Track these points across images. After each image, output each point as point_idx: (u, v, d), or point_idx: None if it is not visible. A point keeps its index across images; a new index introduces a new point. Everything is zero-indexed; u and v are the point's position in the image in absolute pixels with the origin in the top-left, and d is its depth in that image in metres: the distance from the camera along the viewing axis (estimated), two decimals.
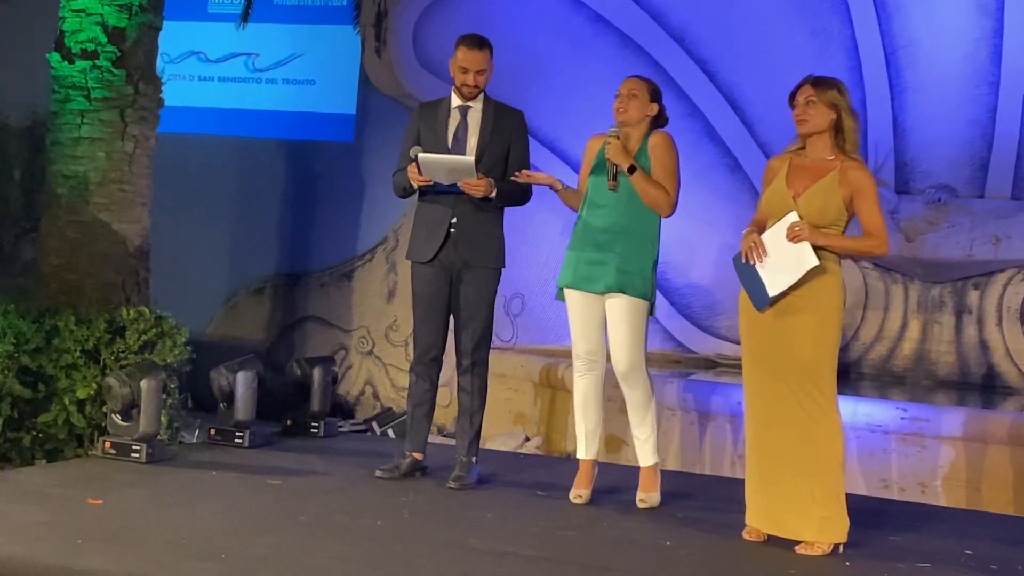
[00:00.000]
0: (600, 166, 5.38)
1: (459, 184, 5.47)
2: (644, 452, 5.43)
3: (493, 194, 5.51)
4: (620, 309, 5.32)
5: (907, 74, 8.82)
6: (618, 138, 5.33)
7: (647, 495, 5.41)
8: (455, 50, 5.61)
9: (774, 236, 4.72)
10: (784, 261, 4.68)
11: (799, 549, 4.73)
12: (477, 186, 5.46)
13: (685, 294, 9.09)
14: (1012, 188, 8.63)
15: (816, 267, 4.65)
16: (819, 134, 4.78)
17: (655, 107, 5.42)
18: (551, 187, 5.52)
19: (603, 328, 5.43)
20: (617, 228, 5.33)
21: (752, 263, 4.75)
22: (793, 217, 4.71)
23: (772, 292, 4.72)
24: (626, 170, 5.27)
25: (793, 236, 4.68)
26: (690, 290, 9.11)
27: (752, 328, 4.86)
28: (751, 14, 8.86)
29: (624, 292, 5.29)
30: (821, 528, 4.72)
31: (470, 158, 5.49)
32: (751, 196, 8.97)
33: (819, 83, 4.80)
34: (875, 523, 5.26)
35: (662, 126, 5.46)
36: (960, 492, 6.65)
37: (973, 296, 8.71)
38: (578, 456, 5.51)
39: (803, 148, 4.86)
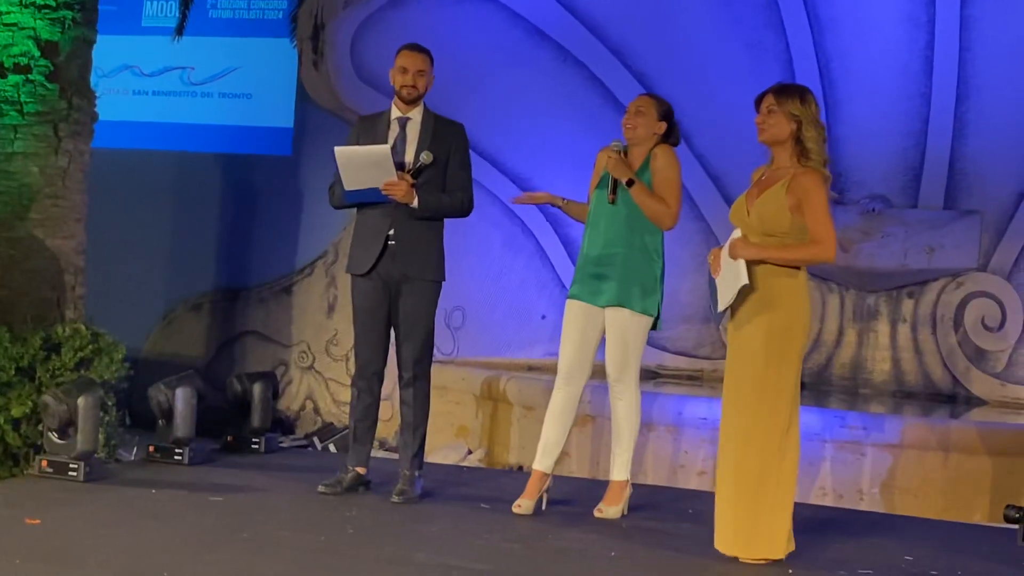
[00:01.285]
0: (605, 180, 5.42)
1: (381, 188, 5.44)
2: (617, 466, 5.44)
3: (415, 202, 5.48)
4: (619, 322, 5.35)
5: (841, 86, 8.93)
6: (619, 152, 5.37)
7: (607, 507, 5.41)
8: (395, 60, 5.61)
9: (725, 252, 4.76)
10: (728, 278, 4.71)
11: (722, 551, 4.75)
12: (397, 186, 5.43)
13: None
14: (944, 198, 8.76)
15: (772, 281, 4.65)
16: (780, 144, 4.73)
17: (663, 125, 5.45)
18: (552, 204, 5.57)
19: (596, 346, 5.44)
20: (619, 241, 5.37)
21: (714, 277, 4.79)
22: (736, 234, 4.73)
23: (720, 307, 4.76)
24: (625, 183, 5.31)
25: (731, 253, 4.71)
26: None
27: (728, 342, 4.87)
28: (688, 28, 8.94)
29: (625, 306, 5.33)
30: (755, 545, 4.69)
31: (385, 146, 5.46)
32: (688, 208, 9.03)
33: (781, 92, 4.75)
34: (815, 531, 5.31)
35: (674, 145, 5.49)
36: (898, 499, 6.73)
37: (908, 305, 8.83)
38: (533, 466, 5.51)
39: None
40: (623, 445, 5.42)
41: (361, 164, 5.43)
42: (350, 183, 5.47)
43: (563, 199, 5.58)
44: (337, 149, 5.48)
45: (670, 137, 5.49)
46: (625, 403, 5.38)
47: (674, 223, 5.42)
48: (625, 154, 5.42)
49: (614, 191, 5.36)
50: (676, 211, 5.41)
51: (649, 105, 5.46)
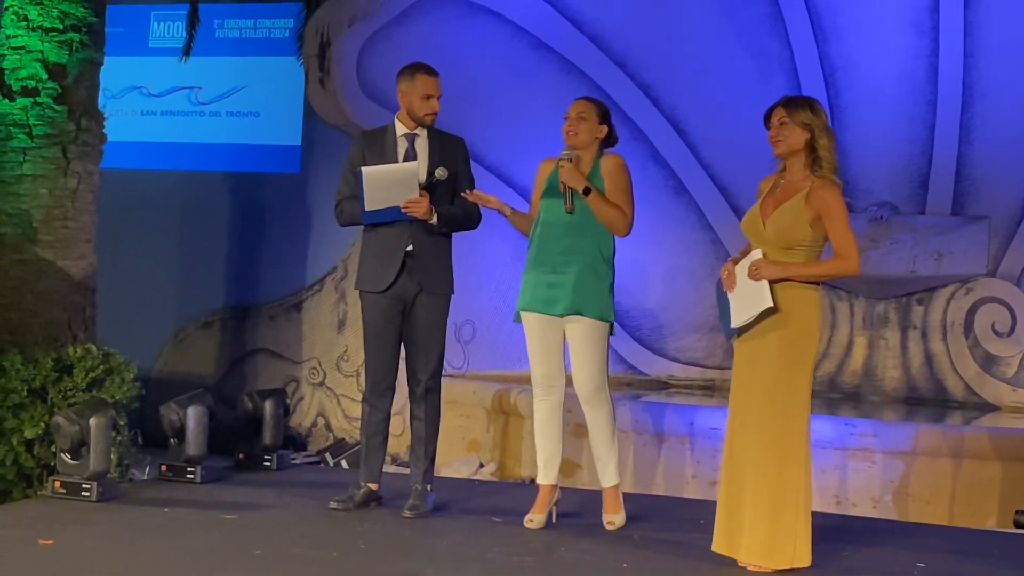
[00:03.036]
0: (552, 189, 5.41)
1: (401, 206, 5.46)
2: (607, 473, 5.43)
3: (434, 219, 5.51)
4: (580, 332, 5.34)
5: (846, 94, 8.94)
6: (570, 160, 5.36)
7: (614, 516, 5.41)
8: (409, 78, 5.62)
9: (742, 269, 4.75)
10: (747, 296, 4.70)
11: (741, 563, 4.76)
12: (419, 203, 5.46)
13: (635, 316, 9.14)
14: (952, 204, 8.75)
15: (785, 292, 4.65)
16: (795, 155, 4.73)
17: (604, 128, 5.45)
18: (500, 212, 5.53)
19: (562, 352, 5.44)
20: (573, 250, 5.35)
21: (727, 291, 4.78)
22: (757, 255, 4.71)
23: (734, 323, 4.75)
24: (581, 192, 5.31)
25: (752, 275, 4.68)
26: (639, 312, 9.16)
27: (735, 352, 4.87)
28: (692, 38, 8.96)
29: (582, 314, 5.32)
30: (764, 553, 4.69)
31: (413, 164, 5.49)
32: (697, 218, 9.06)
33: (791, 103, 4.76)
34: (828, 539, 5.30)
35: (611, 146, 5.49)
36: (910, 506, 6.72)
37: (917, 311, 8.82)
38: (538, 481, 5.52)
39: (784, 169, 4.82)
40: (607, 452, 5.42)
41: (385, 184, 5.46)
42: (372, 203, 5.47)
43: (511, 209, 5.55)
44: (364, 170, 5.46)
45: (610, 139, 5.49)
46: (604, 413, 5.38)
47: (629, 230, 5.38)
48: (572, 161, 5.41)
49: (571, 200, 5.35)
50: (631, 217, 5.37)
51: (590, 110, 5.45)
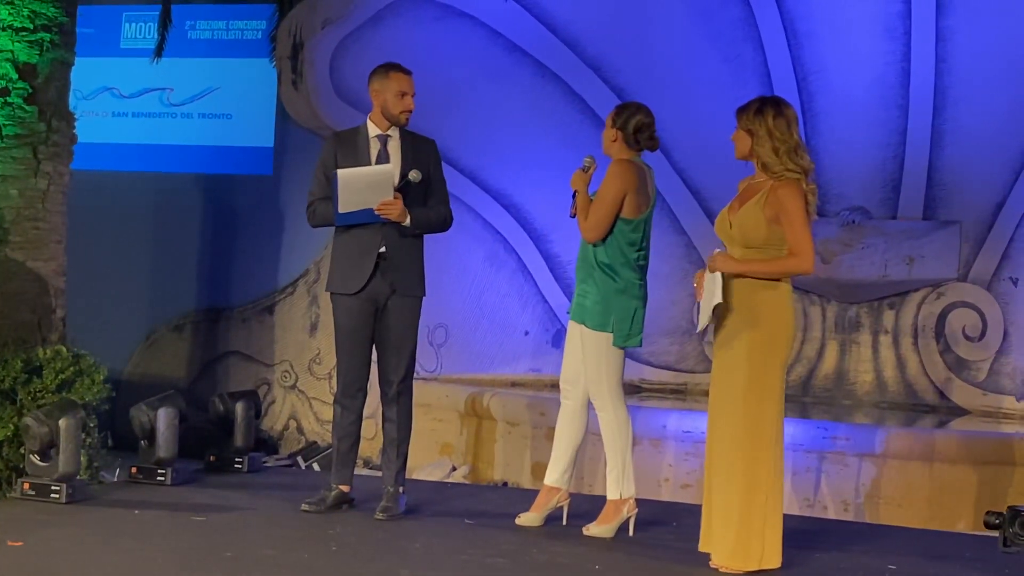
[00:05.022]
0: None
1: (375, 208, 5.45)
2: (607, 483, 5.41)
3: (407, 221, 5.50)
4: (583, 340, 5.39)
5: (819, 99, 8.97)
6: (585, 170, 5.42)
7: (595, 527, 5.37)
8: (383, 76, 5.62)
9: (706, 274, 4.80)
10: (707, 298, 4.74)
11: (712, 564, 4.76)
12: (393, 205, 5.45)
13: None
14: (924, 208, 8.79)
15: (754, 292, 4.67)
16: (750, 159, 4.79)
17: (615, 132, 5.44)
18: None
19: (580, 357, 5.44)
20: (582, 259, 5.45)
21: (698, 301, 4.85)
22: (718, 251, 4.78)
23: (699, 327, 4.81)
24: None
25: (709, 266, 4.75)
26: None
27: (713, 357, 4.90)
28: (666, 42, 8.97)
29: (582, 323, 5.36)
30: (732, 553, 4.71)
31: (388, 167, 5.49)
32: (669, 222, 9.06)
33: (740, 109, 4.82)
34: (800, 542, 5.31)
35: (643, 150, 5.46)
36: (882, 509, 6.74)
37: (889, 316, 8.86)
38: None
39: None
40: (610, 463, 5.39)
41: (360, 186, 5.45)
42: (346, 205, 5.46)
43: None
44: (339, 172, 5.46)
45: (633, 140, 5.42)
46: (604, 418, 5.39)
47: (594, 236, 5.33)
48: (588, 169, 5.47)
49: (574, 204, 5.42)
50: (595, 225, 5.31)
51: (609, 117, 5.49)
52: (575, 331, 5.45)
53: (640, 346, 5.53)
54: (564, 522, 5.49)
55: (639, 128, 5.41)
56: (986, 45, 8.58)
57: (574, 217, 5.41)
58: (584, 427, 5.50)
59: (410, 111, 5.63)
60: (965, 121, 8.67)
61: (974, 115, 8.65)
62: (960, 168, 8.71)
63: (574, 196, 5.41)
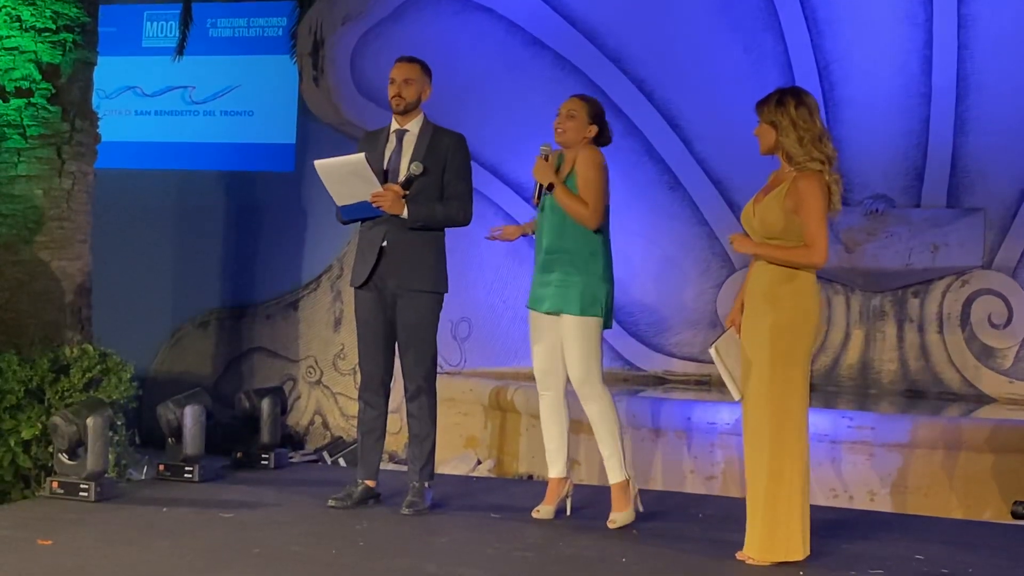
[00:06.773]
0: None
1: (369, 199, 5.45)
2: (609, 469, 5.42)
3: (404, 213, 5.48)
4: (565, 328, 5.36)
5: (840, 87, 8.94)
6: (545, 158, 5.38)
7: (616, 515, 5.38)
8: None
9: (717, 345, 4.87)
10: (731, 364, 4.83)
11: (738, 556, 4.77)
12: (383, 196, 5.44)
13: (631, 312, 9.14)
14: (947, 196, 8.76)
15: (778, 282, 4.71)
16: (775, 152, 4.78)
17: (594, 128, 5.42)
18: (524, 233, 5.65)
19: (556, 348, 5.44)
20: (555, 248, 5.38)
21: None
22: (731, 334, 4.86)
23: (735, 397, 4.83)
24: (547, 188, 5.33)
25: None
26: (636, 308, 9.16)
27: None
28: (686, 33, 8.96)
29: (564, 312, 5.34)
30: (760, 546, 4.71)
31: (360, 155, 5.46)
32: (691, 213, 9.05)
33: (760, 104, 4.79)
34: (827, 532, 5.30)
35: (603, 145, 5.48)
36: (908, 498, 6.73)
37: (913, 304, 8.83)
38: (548, 474, 5.55)
39: None
40: (608, 448, 5.41)
41: (342, 176, 5.44)
42: (339, 197, 5.49)
43: (529, 225, 5.65)
44: (317, 163, 5.48)
45: (601, 138, 5.47)
46: (595, 407, 5.38)
47: (597, 222, 5.34)
48: (548, 157, 5.43)
49: (539, 195, 5.40)
50: (596, 209, 5.31)
51: (580, 108, 5.44)
52: (545, 322, 5.41)
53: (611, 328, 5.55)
54: (568, 512, 5.49)
55: (604, 126, 5.48)
56: (1009, 31, 8.54)
57: (537, 207, 5.41)
58: (568, 414, 5.54)
59: (400, 98, 5.57)
60: (988, 108, 8.64)
61: (997, 102, 8.61)
62: (984, 155, 8.68)
63: (540, 187, 5.39)
